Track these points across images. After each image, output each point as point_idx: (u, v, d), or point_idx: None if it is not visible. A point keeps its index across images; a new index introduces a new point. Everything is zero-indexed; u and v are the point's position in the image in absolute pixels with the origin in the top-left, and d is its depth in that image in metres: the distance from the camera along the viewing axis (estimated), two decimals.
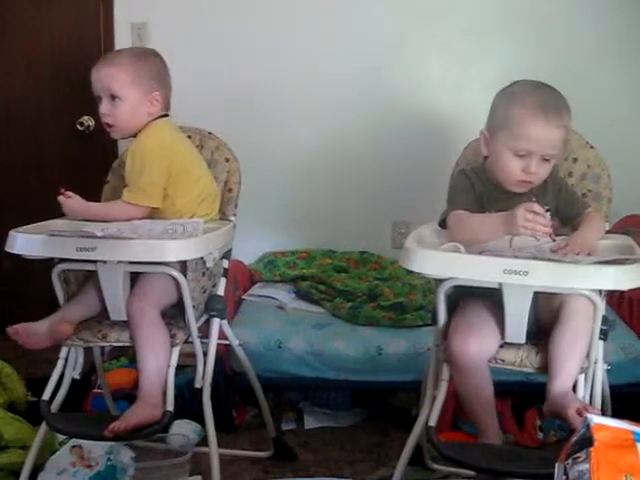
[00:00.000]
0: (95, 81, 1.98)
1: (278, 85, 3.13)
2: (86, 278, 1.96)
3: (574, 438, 1.07)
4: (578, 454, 1.03)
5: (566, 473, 1.02)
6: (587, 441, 1.03)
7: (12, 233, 1.81)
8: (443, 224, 1.87)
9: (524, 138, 1.74)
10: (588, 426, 1.05)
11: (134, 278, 1.89)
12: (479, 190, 1.86)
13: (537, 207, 1.64)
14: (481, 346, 1.71)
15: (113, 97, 1.96)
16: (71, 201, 1.95)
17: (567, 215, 1.87)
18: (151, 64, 2.02)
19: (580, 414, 1.53)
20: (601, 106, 2.88)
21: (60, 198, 1.94)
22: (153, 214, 1.97)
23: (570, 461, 1.03)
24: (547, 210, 1.71)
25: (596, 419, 1.07)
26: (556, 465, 1.05)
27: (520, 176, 1.78)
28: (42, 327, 1.83)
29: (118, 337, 1.89)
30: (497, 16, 3.07)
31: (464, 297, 1.79)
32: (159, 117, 2.03)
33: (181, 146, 2.04)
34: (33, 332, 1.81)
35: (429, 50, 3.13)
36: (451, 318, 1.78)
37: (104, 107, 1.98)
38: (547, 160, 1.78)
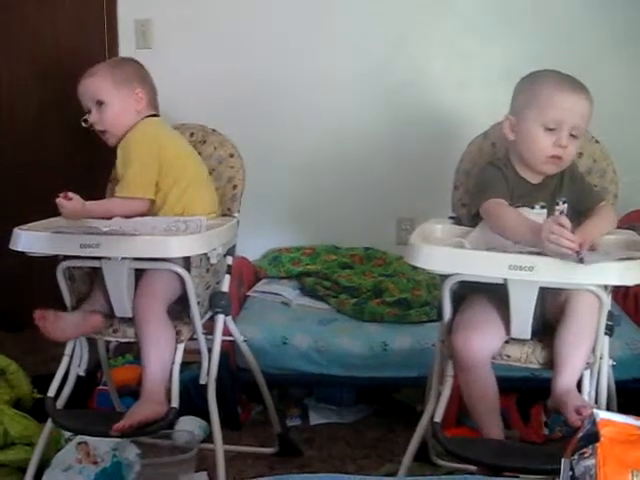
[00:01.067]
0: (81, 95, 2.06)
1: (283, 82, 3.12)
2: (91, 275, 1.97)
3: (580, 434, 1.07)
4: (584, 449, 1.03)
5: (572, 469, 1.02)
6: (593, 436, 1.03)
7: (16, 231, 1.82)
8: (475, 217, 1.85)
9: (553, 108, 1.76)
10: (594, 421, 1.05)
11: (138, 276, 1.89)
12: (511, 182, 1.84)
13: (565, 220, 1.58)
14: (484, 342, 1.70)
15: (100, 103, 2.03)
16: (71, 203, 1.88)
17: (580, 208, 1.85)
18: (129, 68, 2.09)
19: (579, 413, 1.53)
20: (605, 102, 2.82)
21: (59, 200, 1.87)
22: (152, 211, 1.98)
23: (576, 456, 1.03)
24: (564, 202, 1.69)
25: (602, 414, 1.06)
26: (562, 460, 1.05)
27: (551, 151, 1.78)
28: (72, 318, 1.85)
29: (124, 333, 1.89)
30: (499, 14, 3.05)
31: (469, 293, 1.79)
32: (148, 117, 2.06)
33: (169, 141, 2.06)
34: (62, 320, 1.82)
35: (432, 48, 3.12)
36: (456, 314, 1.78)
37: (93, 115, 2.04)
38: (575, 137, 1.78)
